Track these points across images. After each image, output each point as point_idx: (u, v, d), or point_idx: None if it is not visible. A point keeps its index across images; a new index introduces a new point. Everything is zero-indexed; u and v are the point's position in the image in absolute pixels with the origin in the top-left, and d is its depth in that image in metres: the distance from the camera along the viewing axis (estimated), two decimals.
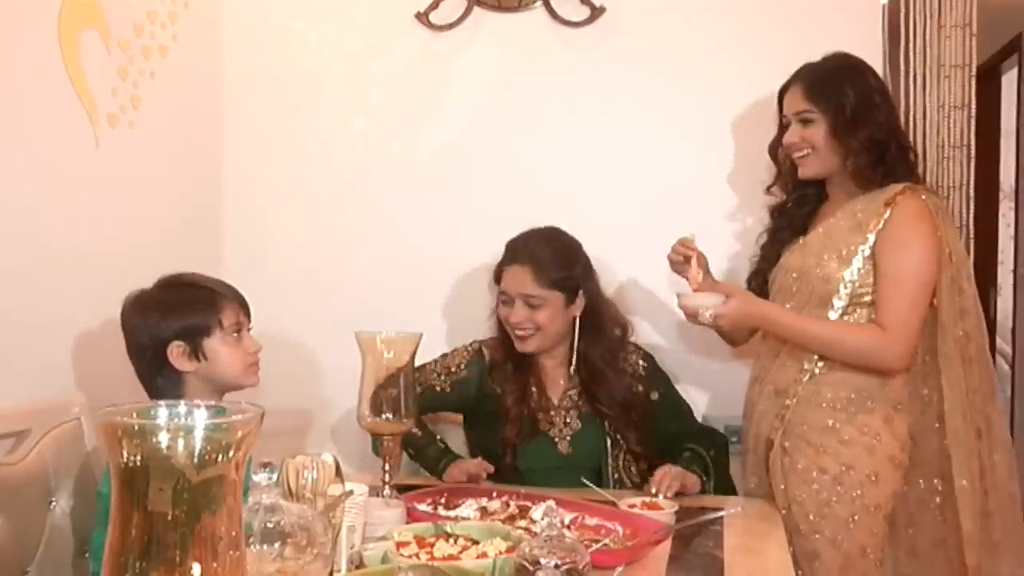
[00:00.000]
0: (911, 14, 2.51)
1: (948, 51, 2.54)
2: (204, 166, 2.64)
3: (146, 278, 1.79)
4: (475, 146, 2.63)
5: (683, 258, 2.04)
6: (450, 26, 2.60)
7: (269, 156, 2.70)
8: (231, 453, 0.77)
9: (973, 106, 2.54)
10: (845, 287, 1.92)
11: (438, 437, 2.23)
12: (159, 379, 1.71)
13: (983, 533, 1.97)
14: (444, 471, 2.10)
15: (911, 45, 2.50)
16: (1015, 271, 4.63)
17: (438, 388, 2.23)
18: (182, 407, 0.82)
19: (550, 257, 2.14)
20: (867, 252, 1.91)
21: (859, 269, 1.91)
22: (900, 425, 1.94)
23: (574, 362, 2.18)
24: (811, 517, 1.93)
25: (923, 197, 1.93)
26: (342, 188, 2.67)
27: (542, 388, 2.20)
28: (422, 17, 2.62)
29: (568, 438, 2.18)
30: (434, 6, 2.61)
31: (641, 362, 2.25)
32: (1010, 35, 4.52)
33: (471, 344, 2.29)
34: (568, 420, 2.19)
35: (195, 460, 0.74)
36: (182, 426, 0.77)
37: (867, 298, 1.92)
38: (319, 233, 2.68)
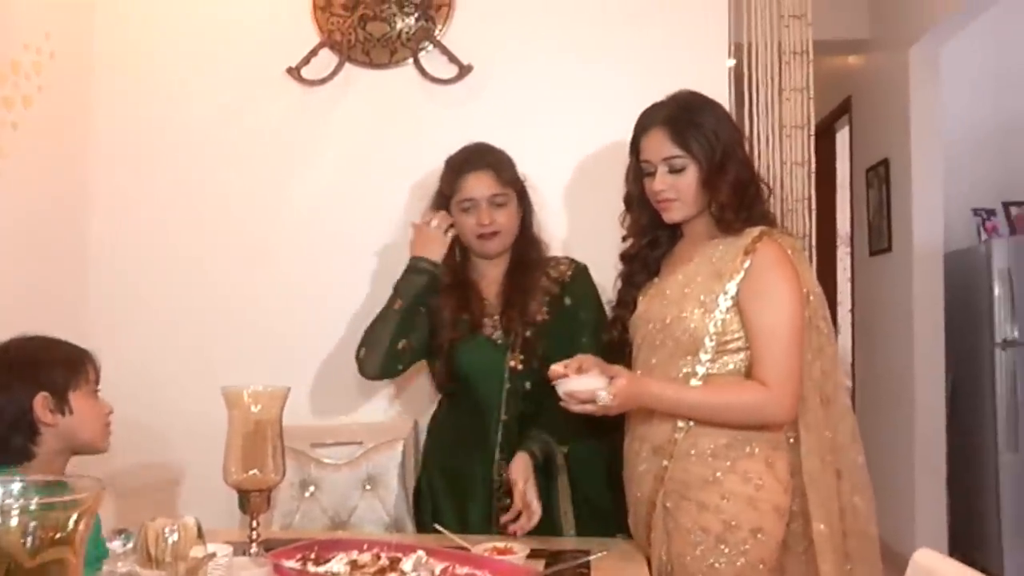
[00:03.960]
0: (754, 77, 2.62)
1: (788, 112, 2.65)
2: (68, 221, 2.51)
3: (3, 336, 1.70)
4: (347, 201, 2.59)
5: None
6: (322, 81, 2.57)
7: (137, 210, 2.60)
8: (69, 532, 0.69)
9: (812, 162, 2.65)
10: (710, 339, 1.83)
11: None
12: (15, 435, 1.61)
13: None
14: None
15: (755, 107, 2.61)
16: (852, 311, 4.84)
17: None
18: (16, 484, 0.74)
19: (504, 159, 2.20)
20: (729, 302, 1.83)
21: (722, 319, 1.83)
22: (782, 466, 1.84)
23: (508, 267, 2.20)
24: None
25: (780, 241, 1.88)
26: (212, 242, 2.59)
27: (479, 294, 2.21)
28: (293, 72, 2.58)
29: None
30: (305, 61, 2.57)
31: (569, 272, 2.22)
32: (841, 97, 4.79)
33: None
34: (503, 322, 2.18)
35: (27, 543, 0.66)
36: (12, 505, 0.69)
37: (732, 345, 1.84)
38: (187, 289, 2.58)
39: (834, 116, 5.05)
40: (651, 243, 2.05)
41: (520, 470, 2.00)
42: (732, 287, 1.83)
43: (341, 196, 2.58)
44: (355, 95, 2.59)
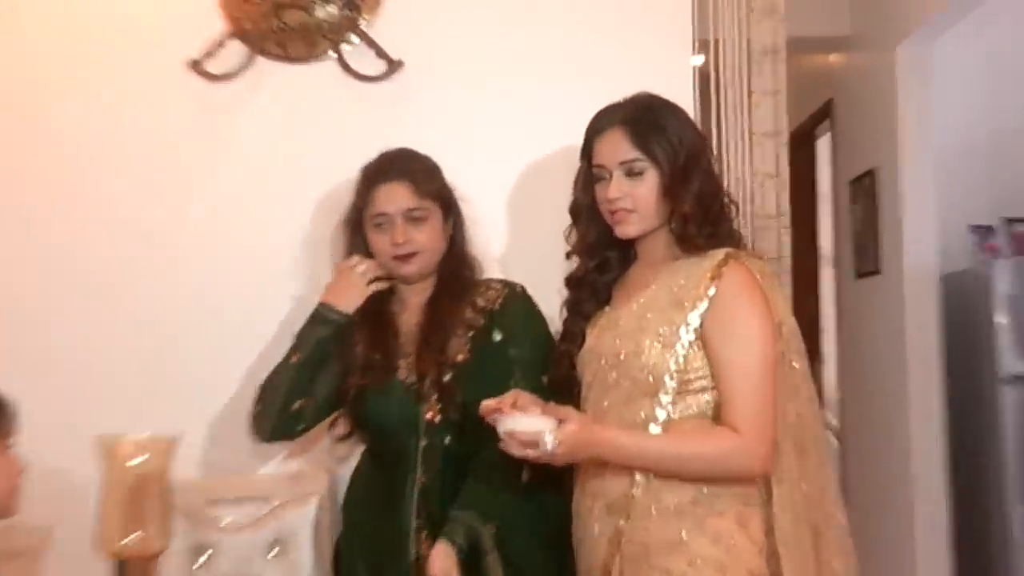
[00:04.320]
0: (722, 79, 2.64)
1: (760, 118, 2.69)
2: None
3: None
4: (255, 215, 2.55)
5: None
6: (228, 77, 2.54)
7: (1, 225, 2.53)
8: None
9: (787, 174, 2.68)
10: (671, 377, 1.82)
11: None
12: None
13: None
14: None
15: (722, 111, 2.63)
16: (838, 339, 4.79)
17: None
18: None
19: (425, 167, 2.19)
20: (692, 335, 1.83)
21: (684, 355, 1.83)
22: (755, 525, 1.83)
23: (431, 294, 2.19)
24: None
25: (748, 265, 1.89)
26: (88, 261, 2.53)
27: (395, 329, 2.19)
28: (195, 66, 2.53)
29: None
30: (210, 54, 2.52)
31: (500, 300, 2.19)
32: (821, 100, 4.83)
33: None
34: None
35: None
36: None
37: (696, 384, 1.84)
38: (57, 315, 2.50)
39: (814, 121, 5.10)
40: (600, 266, 2.04)
41: (440, 569, 1.95)
42: (695, 318, 1.83)
43: (248, 210, 2.55)
44: (268, 93, 2.57)
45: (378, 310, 2.20)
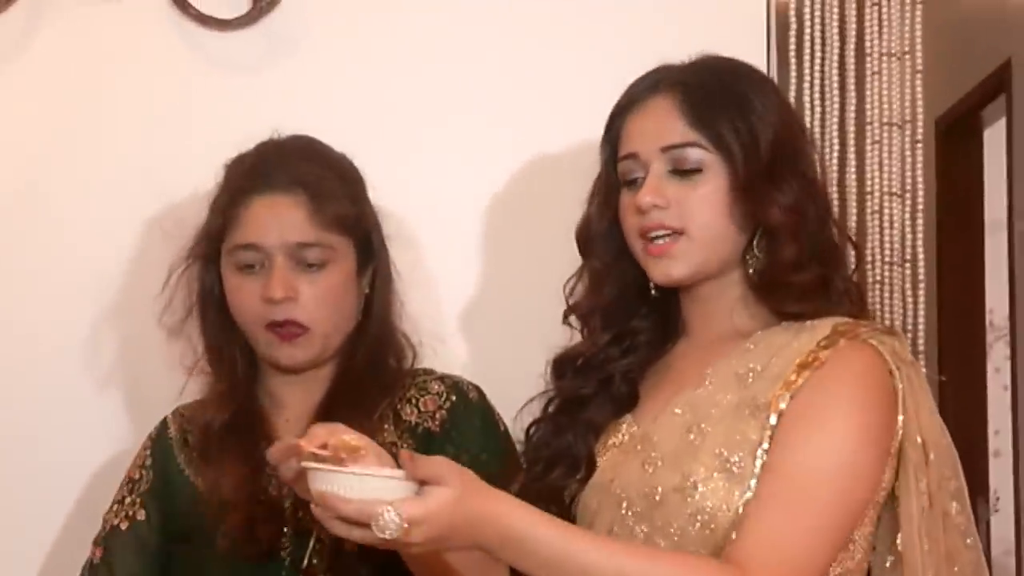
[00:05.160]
0: (811, 30, 2.46)
1: (876, 96, 2.51)
2: None
3: None
4: (25, 232, 2.42)
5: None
6: None
7: None
8: None
9: (919, 191, 2.49)
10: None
11: None
12: None
13: None
14: None
15: (811, 84, 2.45)
16: (1016, 460, 4.41)
17: (122, 526, 2.07)
18: None
19: (334, 172, 2.07)
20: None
21: None
22: None
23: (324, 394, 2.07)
24: None
25: (875, 344, 1.71)
26: None
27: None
28: None
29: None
30: None
31: (450, 395, 2.08)
32: (991, 65, 4.43)
33: (156, 425, 2.16)
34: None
35: None
36: None
37: None
38: None
39: (976, 101, 4.72)
40: (621, 339, 1.87)
41: None
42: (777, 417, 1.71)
43: (16, 220, 2.43)
44: (48, 40, 2.42)
45: (241, 422, 2.04)
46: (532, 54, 2.44)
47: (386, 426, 2.01)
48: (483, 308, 2.42)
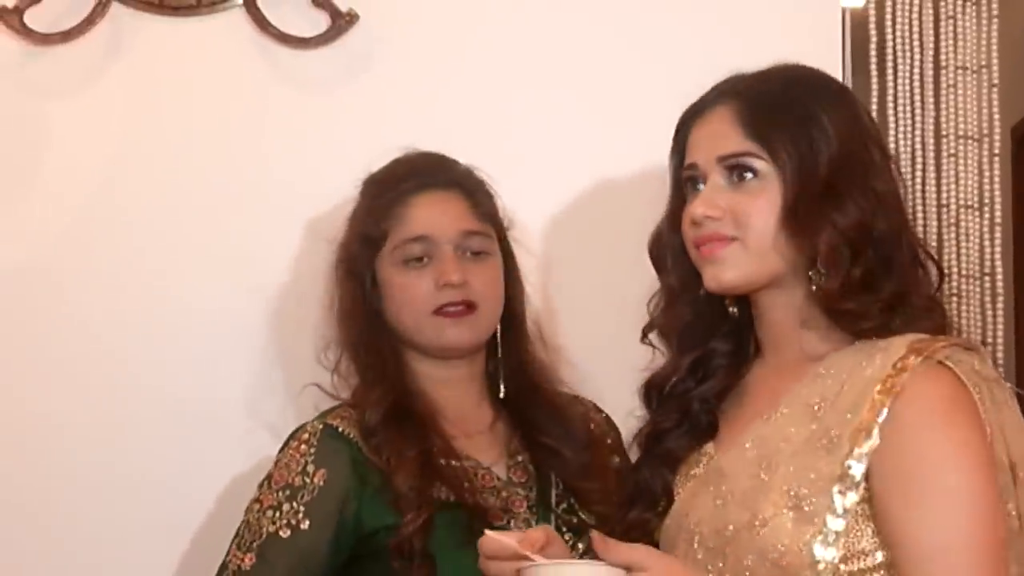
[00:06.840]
0: (888, 42, 2.44)
1: (953, 107, 2.49)
2: None
3: None
4: (93, 246, 2.44)
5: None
6: (67, 36, 2.41)
7: None
8: None
9: (995, 204, 2.47)
10: (816, 569, 1.63)
11: None
12: None
13: None
14: None
15: (885, 95, 2.43)
16: None
17: (282, 534, 2.05)
18: None
19: (479, 181, 2.17)
20: (854, 495, 1.63)
21: (839, 531, 1.64)
22: None
23: (502, 380, 2.15)
24: None
25: (954, 366, 1.64)
26: None
27: (457, 442, 2.10)
28: (11, 17, 2.39)
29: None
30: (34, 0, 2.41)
31: (603, 420, 2.23)
32: None
33: (304, 430, 2.11)
34: (521, 488, 2.08)
35: None
36: None
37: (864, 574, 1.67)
38: None
39: None
40: (698, 365, 1.86)
41: None
42: (858, 465, 1.62)
43: (82, 240, 2.44)
44: (130, 60, 2.45)
45: (410, 409, 2.09)
46: (604, 68, 2.46)
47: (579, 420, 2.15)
48: (559, 328, 2.41)
